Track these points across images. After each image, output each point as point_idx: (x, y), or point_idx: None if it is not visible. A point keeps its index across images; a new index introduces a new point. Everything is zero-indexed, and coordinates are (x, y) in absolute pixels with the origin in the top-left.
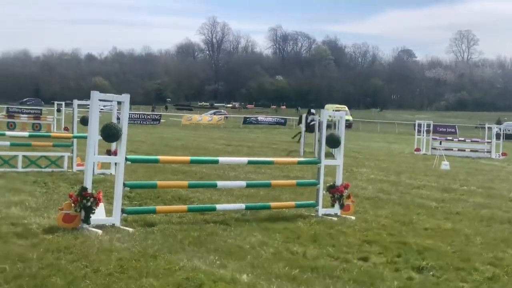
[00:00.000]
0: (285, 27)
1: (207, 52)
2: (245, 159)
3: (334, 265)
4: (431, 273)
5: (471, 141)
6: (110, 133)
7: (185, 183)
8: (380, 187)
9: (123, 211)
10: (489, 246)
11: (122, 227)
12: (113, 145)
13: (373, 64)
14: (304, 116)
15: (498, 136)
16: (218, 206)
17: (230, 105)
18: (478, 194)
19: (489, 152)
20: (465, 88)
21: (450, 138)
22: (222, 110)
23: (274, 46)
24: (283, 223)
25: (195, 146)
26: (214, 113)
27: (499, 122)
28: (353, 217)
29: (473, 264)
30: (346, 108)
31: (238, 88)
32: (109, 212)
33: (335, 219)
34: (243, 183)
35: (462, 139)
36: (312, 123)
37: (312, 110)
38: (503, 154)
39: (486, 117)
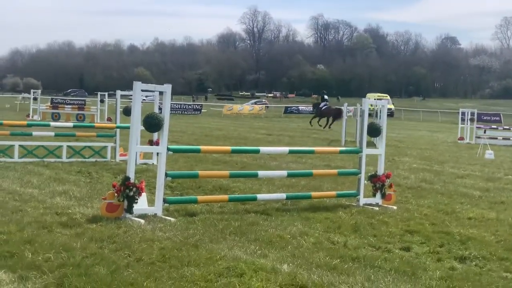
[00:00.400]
0: (326, 15)
1: (248, 41)
2: (286, 149)
3: (375, 255)
4: (474, 263)
5: None
6: (152, 123)
7: (226, 173)
8: (422, 176)
9: (165, 200)
10: None
11: (164, 216)
12: (155, 135)
13: (415, 52)
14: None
15: None
16: (259, 196)
17: (271, 95)
18: None
19: None
20: (511, 76)
21: (495, 126)
22: (263, 100)
23: (315, 35)
24: (324, 213)
25: (235, 136)
26: (255, 103)
27: None
28: (394, 207)
29: None
30: (388, 97)
31: (279, 77)
32: (151, 202)
33: (377, 208)
34: (284, 172)
35: (507, 127)
36: (324, 107)
37: (325, 96)
38: None
39: None
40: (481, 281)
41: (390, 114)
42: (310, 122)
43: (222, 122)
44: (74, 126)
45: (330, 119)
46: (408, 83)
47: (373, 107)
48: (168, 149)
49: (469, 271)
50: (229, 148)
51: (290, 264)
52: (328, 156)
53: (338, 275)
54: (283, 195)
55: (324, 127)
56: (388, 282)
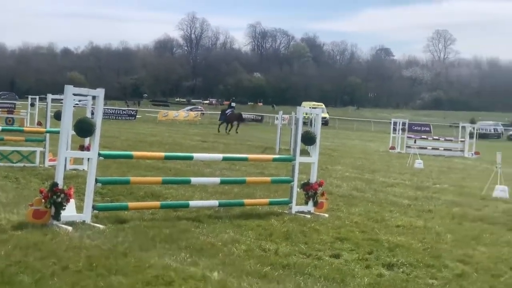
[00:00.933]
0: (264, 23)
1: (186, 47)
2: (219, 156)
3: (305, 262)
4: (401, 270)
5: (445, 139)
6: (83, 128)
7: (159, 179)
8: (354, 185)
9: (94, 207)
10: (460, 243)
11: (92, 224)
12: (87, 141)
13: (351, 62)
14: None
15: (471, 135)
16: (191, 203)
17: (207, 102)
18: (450, 192)
19: (463, 151)
20: (441, 87)
21: (425, 136)
22: (199, 107)
23: (253, 43)
24: (256, 220)
25: (170, 142)
26: (191, 109)
27: (473, 122)
28: (326, 215)
29: (443, 261)
30: (323, 106)
31: (216, 84)
32: (80, 209)
33: (309, 216)
34: (217, 179)
35: (436, 137)
36: (229, 114)
37: (233, 104)
38: (476, 153)
39: (460, 116)
40: (408, 287)
41: (325, 123)
42: (218, 129)
43: (157, 128)
44: (3, 130)
45: (235, 124)
46: (343, 92)
47: (307, 115)
48: (99, 155)
49: (396, 278)
50: (162, 154)
51: (221, 272)
52: (262, 164)
53: (268, 283)
54: (215, 202)
55: (229, 131)
56: None
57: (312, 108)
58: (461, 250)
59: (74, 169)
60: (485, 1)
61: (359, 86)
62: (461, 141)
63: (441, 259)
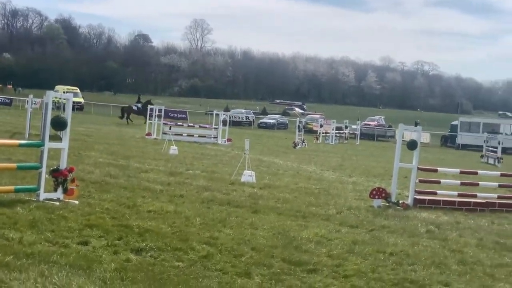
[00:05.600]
0: (15, 1)
1: None
2: None
3: (51, 251)
4: (149, 254)
5: (200, 126)
6: None
7: None
8: (107, 171)
9: None
10: (207, 226)
11: None
12: None
13: (108, 46)
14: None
15: (224, 123)
16: None
17: None
18: (202, 178)
19: (216, 137)
20: (198, 75)
21: (180, 123)
22: None
23: (2, 21)
24: (0, 209)
25: None
26: None
27: (227, 109)
28: (76, 202)
29: (191, 243)
30: (78, 90)
31: None
32: None
33: (58, 203)
34: None
35: (192, 124)
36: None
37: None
38: (228, 140)
39: (216, 104)
40: (154, 271)
41: (80, 107)
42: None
43: None
44: None
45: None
46: (100, 77)
47: (60, 99)
48: None
49: (144, 262)
50: None
51: None
52: (10, 149)
53: (10, 272)
54: None
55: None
56: (62, 277)
57: (66, 92)
58: (208, 232)
59: None
60: None
61: (117, 71)
62: (215, 128)
63: (188, 242)
